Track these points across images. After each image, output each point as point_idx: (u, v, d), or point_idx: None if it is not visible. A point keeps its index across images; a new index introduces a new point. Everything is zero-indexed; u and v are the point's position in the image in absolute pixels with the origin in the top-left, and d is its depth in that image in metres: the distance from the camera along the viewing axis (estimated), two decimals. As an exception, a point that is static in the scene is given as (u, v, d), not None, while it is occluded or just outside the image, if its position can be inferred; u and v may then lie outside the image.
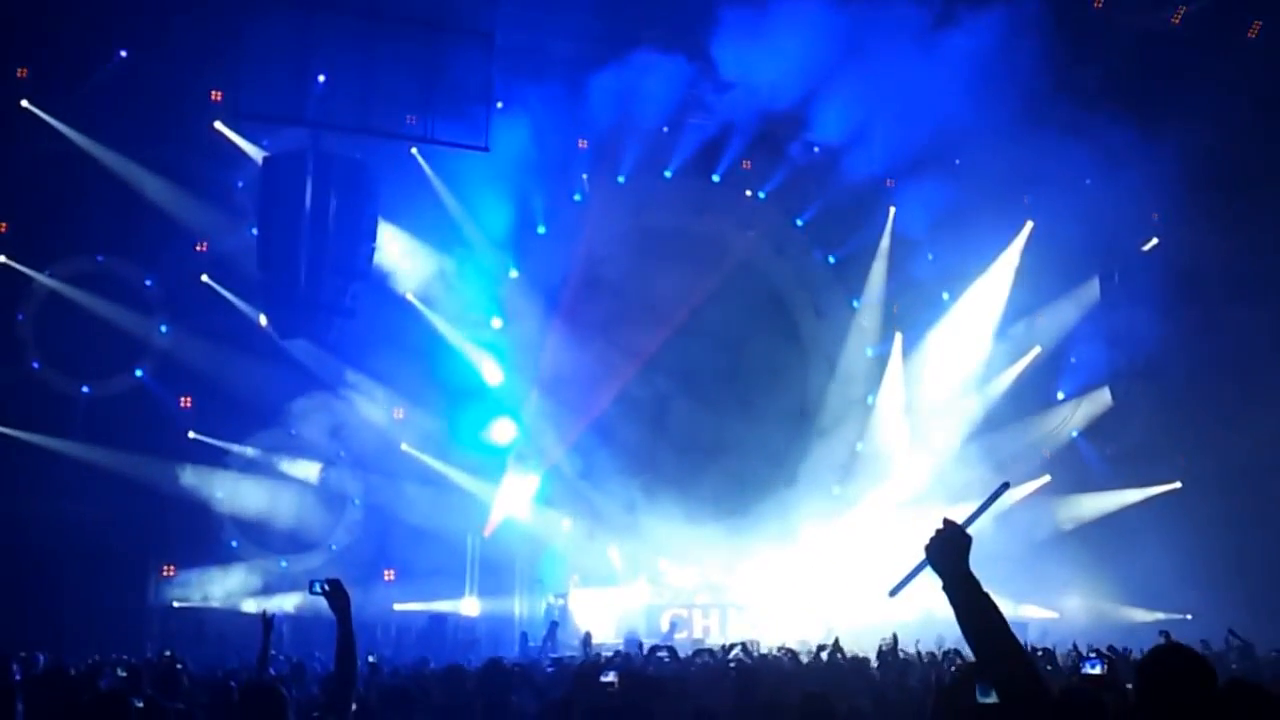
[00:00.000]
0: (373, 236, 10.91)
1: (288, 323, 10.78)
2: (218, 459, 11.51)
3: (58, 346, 11.17)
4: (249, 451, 11.63)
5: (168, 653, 6.59)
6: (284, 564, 11.73)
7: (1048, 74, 10.84)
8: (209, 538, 11.51)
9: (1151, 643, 6.81)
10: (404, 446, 12.04)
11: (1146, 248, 13.05)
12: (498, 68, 10.89)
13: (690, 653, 7.17)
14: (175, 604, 11.36)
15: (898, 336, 14.04)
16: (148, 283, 11.64)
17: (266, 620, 4.62)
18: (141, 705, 2.93)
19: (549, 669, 6.37)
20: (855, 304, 14.30)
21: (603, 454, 12.71)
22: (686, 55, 11.76)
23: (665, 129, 13.12)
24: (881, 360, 14.12)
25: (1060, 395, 14.05)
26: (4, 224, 10.98)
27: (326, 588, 2.97)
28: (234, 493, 11.53)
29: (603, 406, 12.54)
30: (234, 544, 11.69)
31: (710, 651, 7.26)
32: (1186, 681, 1.78)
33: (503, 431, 12.61)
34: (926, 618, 7.20)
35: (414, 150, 11.80)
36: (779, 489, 13.12)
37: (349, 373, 11.80)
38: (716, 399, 12.97)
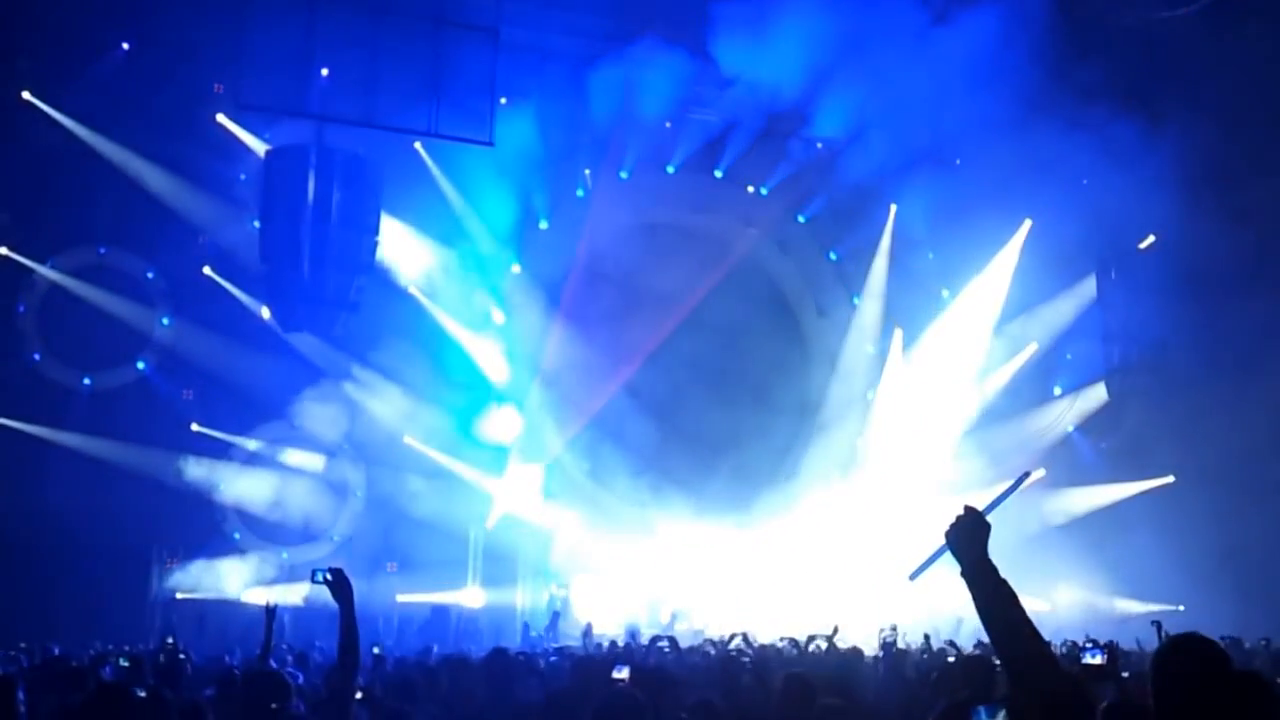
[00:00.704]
0: (375, 230, 10.91)
1: (290, 316, 10.79)
2: (220, 451, 11.53)
3: (59, 338, 11.18)
4: (251, 444, 11.66)
5: (169, 640, 6.63)
6: (286, 555, 11.78)
7: (1047, 71, 10.85)
8: (211, 529, 11.55)
9: (1143, 634, 6.84)
10: (407, 439, 12.08)
11: (1143, 245, 13.09)
12: (501, 62, 10.88)
13: (691, 644, 7.22)
14: (177, 595, 11.41)
15: (898, 333, 14.09)
16: (150, 275, 11.65)
17: (270, 611, 4.65)
18: (144, 695, 2.96)
19: (551, 658, 6.43)
20: (856, 300, 14.33)
21: (605, 448, 12.77)
22: (689, 51, 11.76)
23: (668, 124, 13.11)
24: (882, 356, 14.18)
25: (1057, 391, 14.14)
26: (5, 216, 10.97)
27: (329, 577, 2.97)
28: (236, 485, 11.56)
29: (605, 401, 12.58)
30: (236, 536, 11.74)
31: (711, 642, 7.32)
32: (1207, 674, 1.75)
33: (505, 425, 12.65)
34: (928, 610, 7.22)
35: (417, 144, 11.80)
36: (781, 483, 13.18)
37: (352, 366, 11.82)
38: (718, 394, 13.01)
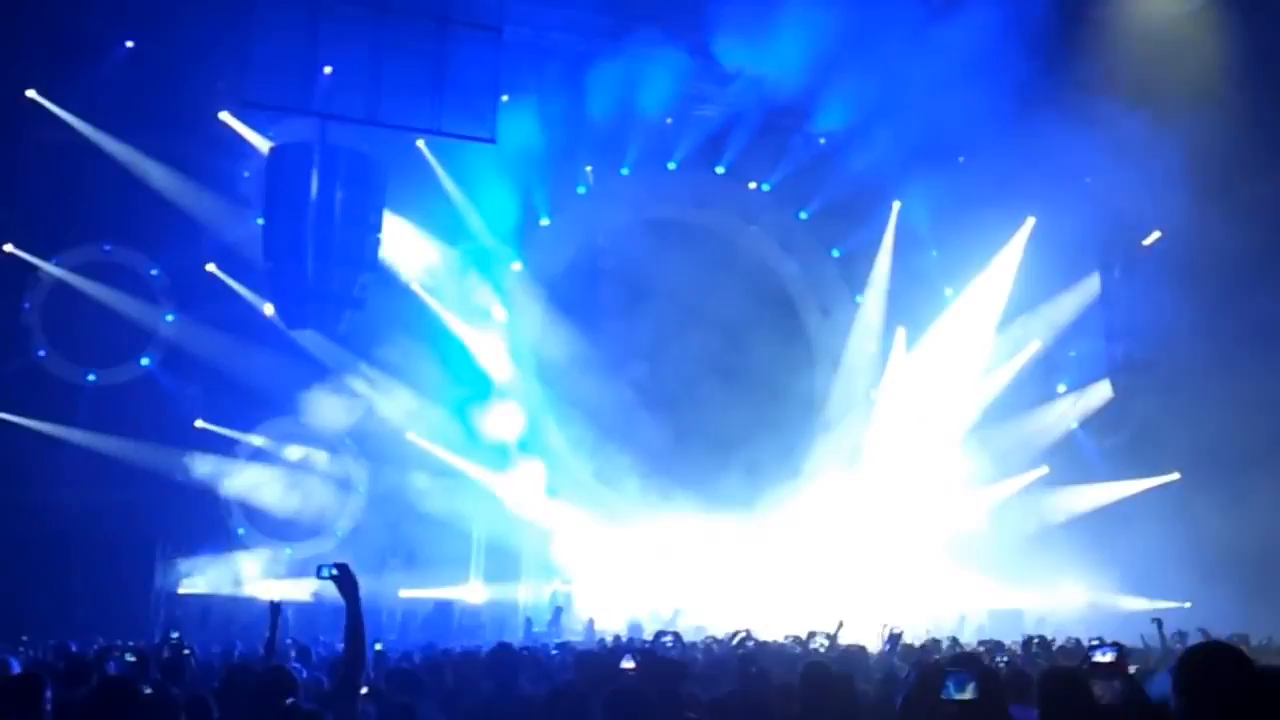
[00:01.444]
0: (378, 227, 10.92)
1: (294, 313, 10.82)
2: (224, 448, 11.58)
3: (64, 335, 11.23)
4: (256, 440, 11.70)
5: (174, 635, 6.65)
6: (289, 551, 11.82)
7: (1051, 67, 10.80)
8: (215, 525, 11.59)
9: (1148, 631, 6.82)
10: (410, 435, 12.11)
11: (1147, 241, 13.03)
12: (503, 60, 10.87)
13: (696, 639, 7.22)
14: (181, 590, 11.46)
15: (900, 331, 14.06)
16: (154, 272, 11.69)
17: (274, 608, 4.66)
18: (150, 692, 2.97)
19: (554, 652, 6.44)
20: (858, 298, 14.30)
21: (606, 445, 12.77)
22: (690, 47, 11.75)
23: (669, 121, 13.08)
24: (885, 355, 14.15)
25: (1061, 388, 14.10)
26: (10, 213, 11.00)
27: (335, 572, 2.99)
28: (240, 481, 11.60)
29: (606, 398, 12.58)
30: (240, 531, 11.78)
31: (715, 639, 7.33)
32: (1235, 684, 1.72)
33: (507, 421, 12.67)
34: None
35: (419, 142, 11.80)
36: (784, 482, 13.17)
37: (355, 362, 11.85)
38: (720, 392, 13.01)
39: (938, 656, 5.52)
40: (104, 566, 10.47)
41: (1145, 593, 12.06)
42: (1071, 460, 13.61)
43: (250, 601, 11.02)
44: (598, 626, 10.45)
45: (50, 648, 6.46)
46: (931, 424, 13.43)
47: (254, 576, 11.55)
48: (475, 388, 12.60)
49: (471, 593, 12.48)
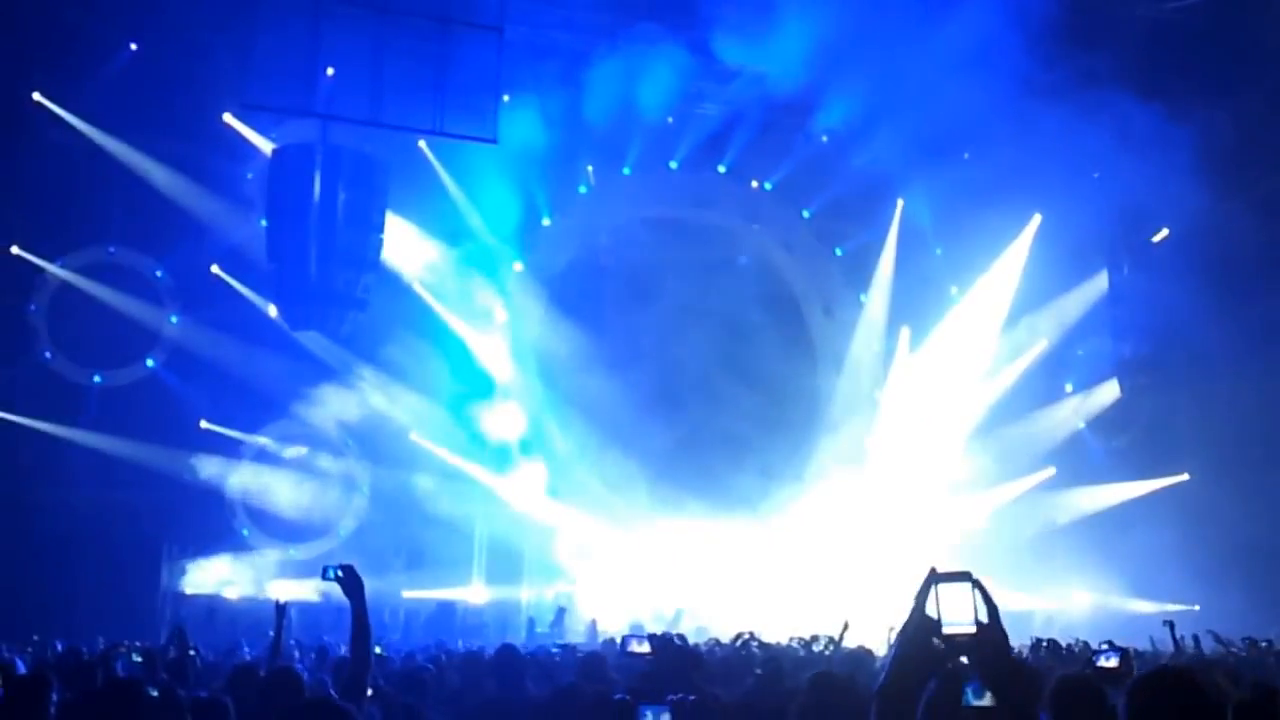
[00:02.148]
0: (381, 228, 10.95)
1: (298, 314, 10.85)
2: (229, 448, 11.62)
3: (70, 336, 11.28)
4: (260, 441, 11.74)
5: (180, 636, 6.68)
6: (293, 552, 11.86)
7: (1057, 62, 10.69)
8: (220, 526, 11.64)
9: (1157, 633, 6.73)
10: (412, 436, 12.12)
11: (1156, 239, 12.92)
12: (505, 60, 10.88)
13: (700, 641, 7.21)
14: (186, 591, 11.50)
15: (905, 330, 13.99)
16: (158, 273, 11.73)
17: (280, 609, 4.66)
18: (157, 694, 2.98)
19: (555, 652, 6.43)
20: (863, 297, 14.25)
21: (608, 445, 12.76)
22: (692, 45, 11.70)
23: (670, 120, 13.06)
24: (889, 354, 14.09)
25: (1068, 388, 13.99)
26: (16, 215, 11.05)
27: (340, 573, 3.00)
28: (245, 481, 11.64)
29: (607, 397, 12.58)
30: (244, 532, 11.82)
31: (718, 641, 7.31)
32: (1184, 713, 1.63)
33: (509, 422, 12.67)
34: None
35: (421, 143, 11.81)
36: (787, 483, 13.14)
37: (357, 363, 11.88)
38: (722, 391, 12.98)
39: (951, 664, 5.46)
40: (109, 567, 10.53)
41: (1153, 595, 11.96)
42: (1078, 461, 13.49)
43: (255, 602, 11.04)
44: (600, 628, 10.44)
45: (57, 650, 6.48)
46: (937, 424, 13.36)
47: (258, 577, 11.58)
48: (477, 388, 12.60)
49: (474, 594, 12.50)
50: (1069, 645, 6.37)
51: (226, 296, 11.59)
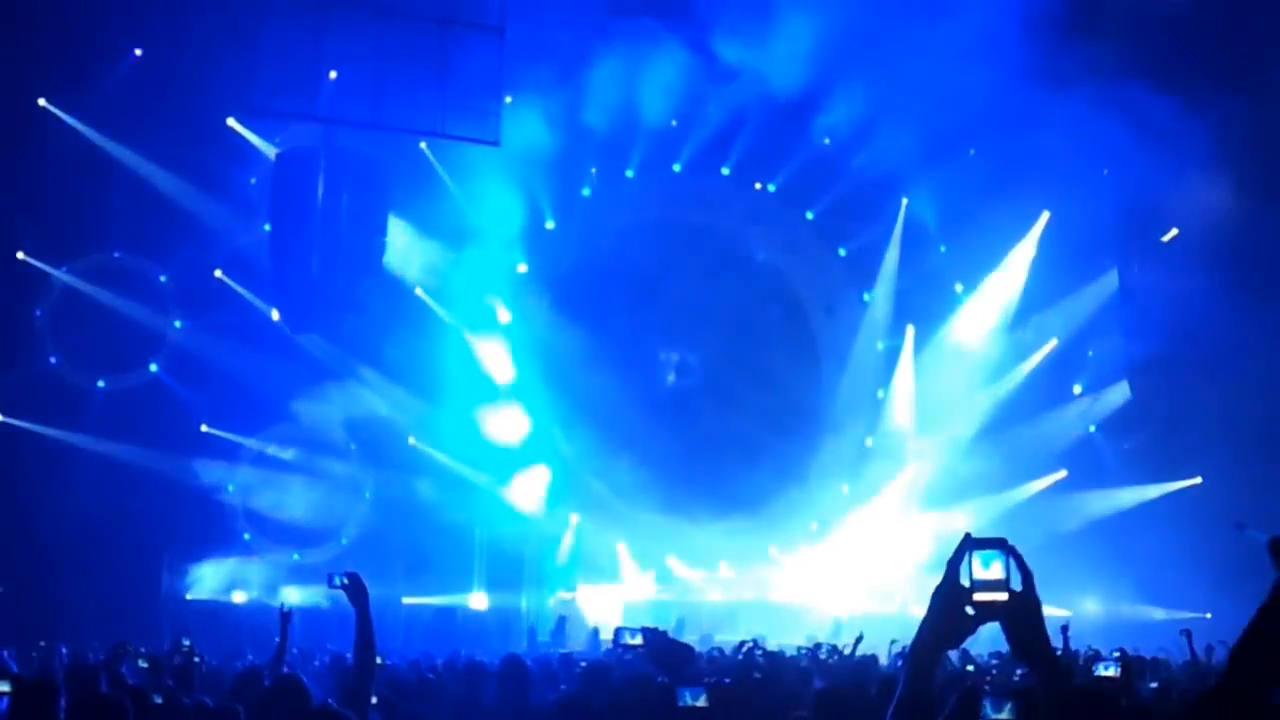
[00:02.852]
0: (384, 231, 10.95)
1: (300, 317, 10.85)
2: (231, 452, 11.61)
3: (74, 341, 11.31)
4: (262, 445, 11.73)
5: (186, 643, 6.65)
6: (296, 557, 11.83)
7: (1064, 56, 10.56)
8: (222, 530, 11.62)
9: (1170, 641, 6.60)
10: (413, 441, 12.09)
11: (1166, 238, 12.78)
12: (507, 62, 10.88)
13: (701, 649, 7.16)
14: (188, 596, 11.48)
15: (909, 330, 13.91)
16: (162, 278, 11.75)
17: (285, 615, 4.62)
18: (161, 701, 2.95)
19: (554, 660, 6.38)
20: (866, 297, 14.19)
21: (611, 449, 12.71)
22: (696, 48, 11.69)
23: (674, 123, 13.05)
24: (893, 354, 13.99)
25: (1077, 389, 13.83)
26: (22, 221, 11.09)
27: (345, 581, 2.98)
28: (247, 486, 11.63)
29: (611, 401, 12.54)
30: (246, 537, 11.80)
31: (720, 649, 7.25)
32: None
33: (512, 426, 12.63)
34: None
35: (423, 145, 11.81)
36: (788, 484, 13.07)
37: (360, 367, 11.87)
38: (726, 393, 12.93)
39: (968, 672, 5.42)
40: (112, 571, 10.51)
41: (1165, 602, 11.80)
42: (1088, 463, 13.33)
43: (257, 607, 11.00)
44: (602, 637, 10.37)
45: (62, 655, 6.45)
46: (942, 424, 13.27)
47: (260, 582, 11.55)
48: (480, 392, 12.58)
49: (475, 600, 12.44)
50: (1079, 652, 6.28)
51: (229, 301, 11.60)
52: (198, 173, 11.37)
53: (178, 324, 11.77)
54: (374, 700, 3.10)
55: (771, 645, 7.60)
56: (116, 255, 11.60)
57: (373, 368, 11.92)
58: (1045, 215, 12.93)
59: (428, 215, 12.08)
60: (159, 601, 11.27)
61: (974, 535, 1.34)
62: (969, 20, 10.33)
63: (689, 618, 11.53)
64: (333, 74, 10.77)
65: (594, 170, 13.30)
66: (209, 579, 11.55)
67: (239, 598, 11.52)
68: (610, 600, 12.09)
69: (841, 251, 14.31)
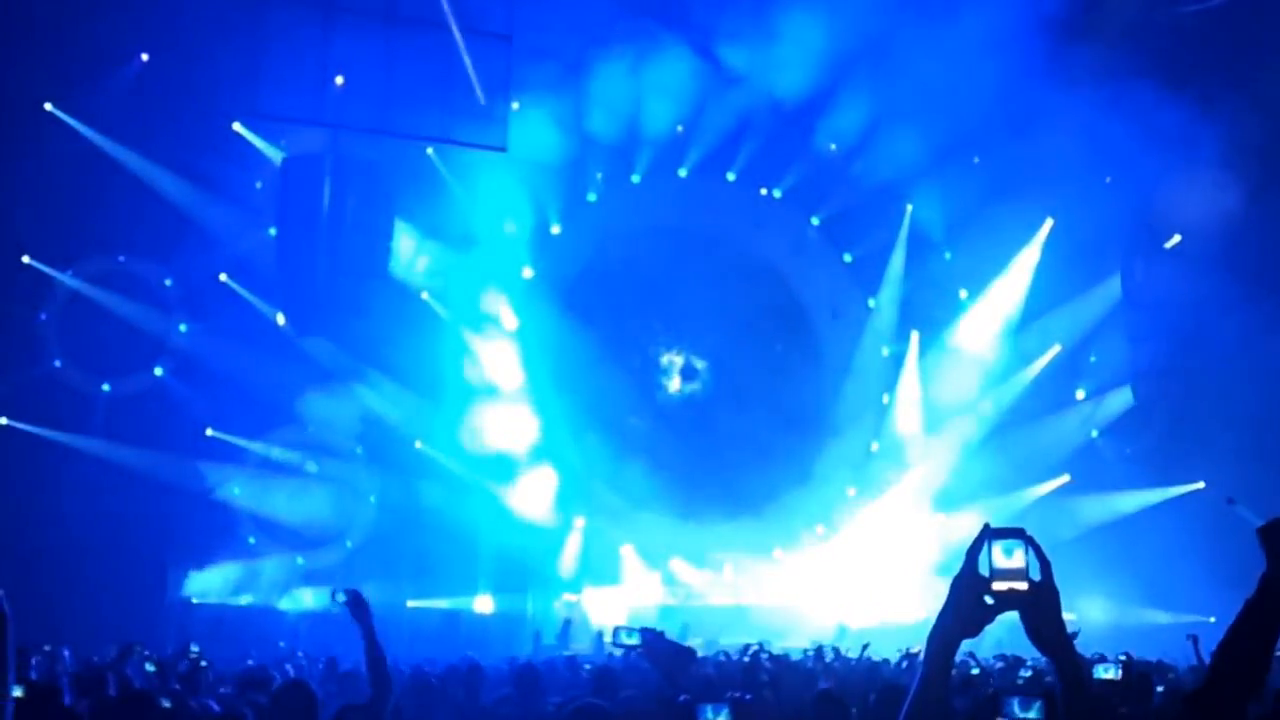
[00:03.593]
0: (389, 236, 10.98)
1: (305, 321, 10.88)
2: (236, 456, 11.61)
3: (79, 345, 11.31)
4: (267, 449, 11.74)
5: (194, 649, 6.65)
6: (301, 561, 11.82)
7: (1069, 64, 10.59)
8: (227, 534, 11.61)
9: (1174, 646, 6.59)
10: (419, 444, 12.09)
11: (1169, 244, 12.81)
12: (514, 67, 10.92)
13: (706, 652, 7.14)
14: (193, 600, 11.48)
15: (914, 335, 13.93)
16: (167, 282, 11.77)
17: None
18: (169, 706, 2.95)
19: (561, 664, 6.37)
20: (871, 303, 14.21)
21: (617, 453, 12.71)
22: (702, 54, 11.74)
23: (680, 128, 13.09)
24: (898, 359, 14.02)
25: (1081, 394, 13.86)
26: (28, 225, 11.12)
27: (345, 598, 3.00)
28: (252, 490, 11.63)
29: (617, 405, 12.55)
30: (251, 541, 11.79)
31: (725, 653, 7.24)
32: None
33: (517, 430, 12.64)
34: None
35: (429, 150, 11.86)
36: (794, 487, 13.06)
37: (366, 371, 11.88)
38: (731, 397, 12.95)
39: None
40: (117, 575, 10.49)
41: (1169, 605, 11.79)
42: (1092, 468, 13.35)
43: (262, 611, 10.99)
44: (606, 640, 10.34)
45: (65, 659, 6.46)
46: (946, 429, 13.26)
47: (265, 586, 11.54)
48: (485, 396, 12.59)
49: (480, 604, 12.43)
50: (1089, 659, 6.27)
51: (234, 305, 11.62)
52: (203, 177, 11.41)
53: (183, 328, 11.79)
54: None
55: (776, 648, 7.58)
56: (122, 259, 11.62)
57: (379, 371, 11.94)
58: (1049, 222, 12.96)
59: (434, 220, 12.13)
60: (164, 605, 11.26)
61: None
62: (973, 27, 10.38)
63: (693, 623, 11.50)
64: (339, 79, 10.81)
65: (600, 176, 13.35)
66: (214, 583, 11.54)
67: (243, 600, 11.50)
68: (615, 603, 12.06)
69: (847, 257, 14.36)
